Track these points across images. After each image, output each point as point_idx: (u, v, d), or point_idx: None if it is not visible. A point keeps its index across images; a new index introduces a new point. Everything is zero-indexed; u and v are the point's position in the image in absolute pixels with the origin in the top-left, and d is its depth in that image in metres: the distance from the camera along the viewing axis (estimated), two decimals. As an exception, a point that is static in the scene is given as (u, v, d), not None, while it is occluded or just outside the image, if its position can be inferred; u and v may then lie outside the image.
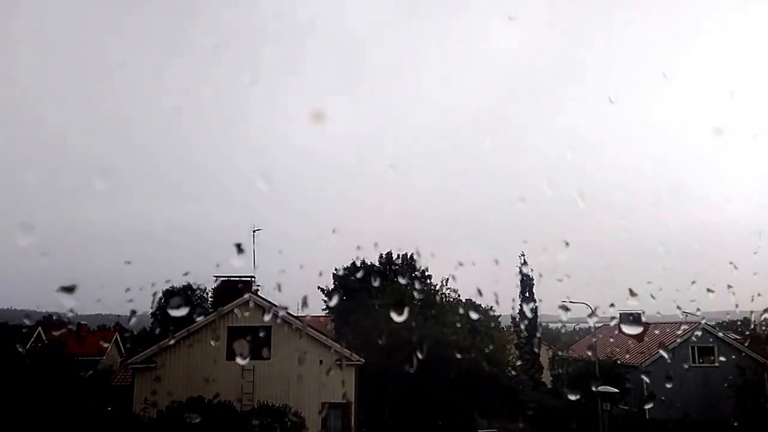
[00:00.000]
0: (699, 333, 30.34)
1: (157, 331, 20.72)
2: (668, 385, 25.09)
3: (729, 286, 9.01)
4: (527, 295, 42.77)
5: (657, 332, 32.97)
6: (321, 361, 21.74)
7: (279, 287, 8.51)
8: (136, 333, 39.68)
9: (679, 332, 30.41)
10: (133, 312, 8.70)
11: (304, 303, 10.57)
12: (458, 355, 24.51)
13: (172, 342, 20.59)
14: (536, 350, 42.08)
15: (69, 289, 4.78)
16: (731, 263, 9.21)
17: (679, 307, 9.48)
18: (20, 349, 24.84)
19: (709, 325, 30.21)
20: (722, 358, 29.24)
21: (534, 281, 42.02)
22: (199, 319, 21.61)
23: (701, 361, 31.13)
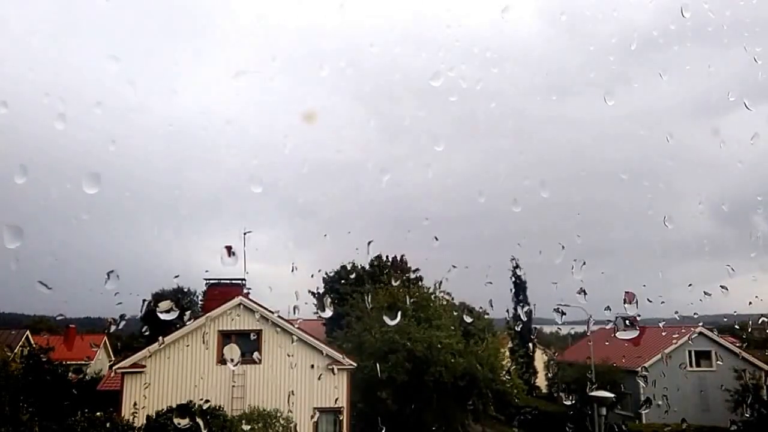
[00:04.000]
0: (696, 337, 30.11)
1: (147, 334, 20.33)
2: (665, 389, 24.84)
3: (726, 289, 8.73)
4: (521, 298, 42.69)
5: (653, 336, 32.76)
6: (312, 366, 21.48)
7: (270, 290, 8.21)
8: (125, 337, 39.32)
9: (676, 336, 30.17)
10: (122, 316, 8.38)
11: (296, 307, 10.23)
12: (451, 359, 24.22)
13: (161, 346, 20.25)
14: (531, 354, 41.85)
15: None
16: (728, 266, 8.92)
17: (676, 312, 9.21)
18: (8, 353, 24.49)
19: (706, 328, 29.99)
20: (720, 363, 29.02)
21: (527, 284, 41.96)
22: (189, 322, 21.27)
23: (699, 365, 30.90)
